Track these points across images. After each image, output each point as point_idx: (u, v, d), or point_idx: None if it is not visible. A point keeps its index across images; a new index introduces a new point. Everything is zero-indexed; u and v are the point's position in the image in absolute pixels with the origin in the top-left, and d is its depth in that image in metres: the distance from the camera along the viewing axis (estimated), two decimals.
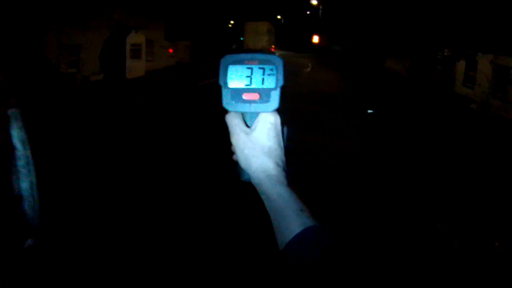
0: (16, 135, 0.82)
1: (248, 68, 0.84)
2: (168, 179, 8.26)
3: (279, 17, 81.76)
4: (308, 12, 67.81)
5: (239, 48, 42.59)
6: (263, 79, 0.84)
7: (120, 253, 5.28)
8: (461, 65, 20.15)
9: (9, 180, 0.78)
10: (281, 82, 0.85)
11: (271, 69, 0.84)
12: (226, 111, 0.87)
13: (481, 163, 9.98)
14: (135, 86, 21.03)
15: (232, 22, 58.84)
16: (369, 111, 15.60)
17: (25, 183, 0.80)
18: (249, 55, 0.85)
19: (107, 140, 10.90)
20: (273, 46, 42.72)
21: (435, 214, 6.97)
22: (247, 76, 0.84)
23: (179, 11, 31.44)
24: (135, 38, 23.78)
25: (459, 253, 5.82)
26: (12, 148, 0.80)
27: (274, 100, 0.85)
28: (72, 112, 14.30)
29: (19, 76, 15.09)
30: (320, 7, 63.65)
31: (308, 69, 35.81)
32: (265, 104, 0.84)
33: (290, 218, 0.75)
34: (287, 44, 70.64)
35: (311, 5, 67.29)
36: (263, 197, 0.81)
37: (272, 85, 0.84)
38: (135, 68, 24.18)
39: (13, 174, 0.79)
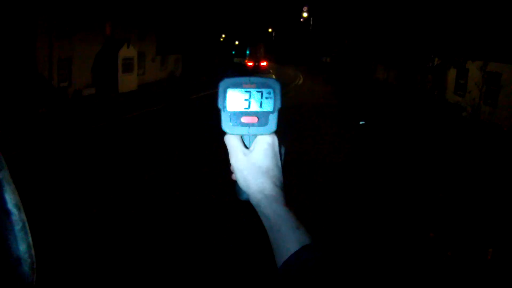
0: (10, 199, 0.81)
1: (246, 91, 0.85)
2: (164, 195, 8.21)
3: (270, 30, 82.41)
4: (301, 19, 68.11)
5: (241, 63, 42.73)
6: (261, 103, 0.85)
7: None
8: (451, 74, 20.33)
9: (7, 245, 0.80)
10: (278, 105, 0.86)
11: (269, 93, 0.85)
12: (221, 126, 0.87)
13: (473, 168, 10.02)
14: (128, 100, 21.02)
15: (223, 35, 59.14)
16: (361, 122, 15.65)
17: (22, 246, 0.81)
18: (246, 79, 0.86)
19: (101, 155, 10.85)
20: (263, 61, 43.07)
21: (428, 223, 6.97)
22: (246, 100, 0.85)
23: (170, 25, 31.55)
24: (127, 51, 23.80)
25: (453, 261, 5.81)
26: (8, 213, 0.80)
27: (272, 123, 0.86)
28: (64, 126, 14.22)
29: (10, 91, 15.04)
30: (311, 19, 64.16)
31: (300, 81, 35.99)
32: (263, 127, 0.85)
33: (286, 235, 0.77)
34: (278, 56, 71.05)
35: (302, 17, 67.78)
36: (261, 216, 0.83)
37: (270, 108, 0.86)
38: (128, 81, 24.16)
39: (10, 239, 0.80)
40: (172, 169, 9.52)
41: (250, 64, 41.23)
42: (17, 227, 0.81)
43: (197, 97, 22.15)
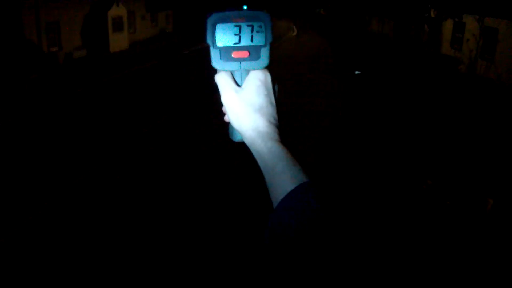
0: None
1: (236, 26, 0.82)
2: (165, 144, 8.20)
3: None
4: None
5: None
6: (252, 36, 0.82)
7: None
8: (448, 26, 19.99)
9: None
10: (270, 39, 0.83)
11: (260, 26, 0.82)
12: (214, 72, 0.84)
13: (471, 120, 9.99)
14: (120, 59, 20.67)
15: None
16: (356, 72, 15.53)
17: None
18: (236, 12, 0.82)
19: (95, 115, 10.76)
20: None
21: (426, 171, 6.98)
22: (236, 34, 0.82)
23: None
24: (116, 10, 23.21)
25: (452, 210, 5.84)
26: None
27: (264, 57, 0.83)
28: (56, 90, 14.02)
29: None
30: None
31: (294, 33, 35.49)
32: (255, 61, 0.83)
33: (282, 173, 0.75)
34: (270, 8, 69.43)
35: None
36: (255, 155, 0.80)
37: (262, 42, 0.82)
38: (118, 41, 23.70)
39: None
40: (167, 126, 9.52)
41: None
42: None
43: (189, 52, 21.89)
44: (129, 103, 12.00)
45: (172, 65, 18.33)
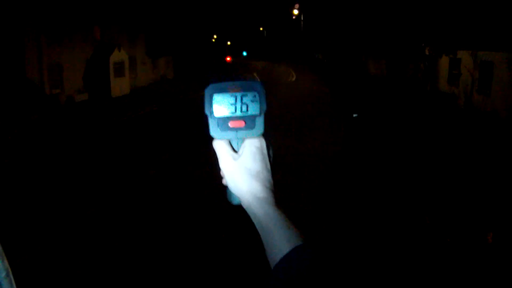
0: None
1: (232, 96, 0.86)
2: (161, 199, 8.16)
3: (261, 29, 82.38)
4: (293, 17, 67.95)
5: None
6: (247, 106, 0.86)
7: None
8: (444, 63, 20.29)
9: None
10: (264, 108, 0.87)
11: (254, 96, 0.86)
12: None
13: (470, 155, 9.99)
14: (122, 103, 20.91)
15: (215, 36, 59.03)
16: (354, 115, 15.65)
17: None
18: (231, 83, 0.86)
19: (96, 157, 10.78)
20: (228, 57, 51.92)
21: (423, 209, 6.91)
22: (232, 104, 0.86)
23: (160, 27, 31.38)
24: (118, 55, 23.68)
25: (453, 247, 5.74)
26: None
27: (259, 125, 0.87)
28: (57, 132, 14.11)
29: (2, 98, 14.92)
30: (302, 16, 64.04)
31: (293, 78, 36.04)
32: (251, 130, 0.86)
33: (277, 236, 0.78)
34: (270, 55, 70.93)
35: (293, 15, 67.68)
36: (253, 218, 0.84)
37: (257, 112, 0.86)
38: (120, 86, 24.05)
39: None
40: (167, 168, 9.48)
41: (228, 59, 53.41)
42: (2, 275, 0.85)
43: (191, 98, 22.13)
44: (130, 146, 12.07)
45: (171, 110, 18.48)
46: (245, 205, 0.85)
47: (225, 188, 0.88)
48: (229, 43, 58.24)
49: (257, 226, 0.82)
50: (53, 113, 17.16)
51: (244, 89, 0.86)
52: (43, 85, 18.31)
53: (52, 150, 11.57)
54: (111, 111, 18.53)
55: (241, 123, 0.86)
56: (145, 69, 29.70)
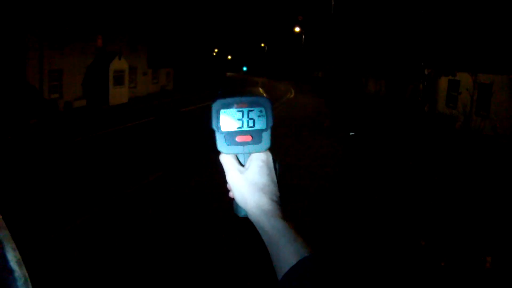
0: (11, 257, 0.87)
1: (238, 111, 0.87)
2: (162, 214, 8.09)
3: (262, 45, 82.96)
4: (294, 34, 68.53)
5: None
6: (254, 121, 0.88)
7: None
8: (443, 84, 20.40)
9: None
10: (270, 123, 0.88)
11: (261, 111, 0.88)
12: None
13: (468, 176, 9.96)
14: (119, 112, 20.89)
15: (216, 50, 59.38)
16: (351, 133, 15.68)
17: None
18: (238, 98, 0.87)
19: (90, 165, 10.72)
20: None
21: (418, 231, 6.84)
22: (238, 119, 0.87)
23: (162, 38, 31.57)
24: (118, 64, 23.76)
25: (448, 272, 5.65)
26: (11, 271, 0.86)
27: (266, 140, 0.88)
28: (55, 136, 14.06)
29: (1, 102, 14.88)
30: (303, 34, 64.52)
31: (292, 95, 36.27)
32: (257, 145, 0.88)
33: (285, 248, 0.79)
34: (270, 71, 71.37)
35: (294, 32, 68.19)
36: (260, 231, 0.85)
37: (263, 126, 0.88)
38: (119, 94, 24.08)
39: None
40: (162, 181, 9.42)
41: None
42: (19, 283, 0.85)
43: (189, 111, 22.13)
44: (125, 155, 12.04)
45: (169, 122, 18.41)
46: (252, 218, 0.87)
47: (231, 200, 0.89)
48: (229, 57, 58.54)
49: (264, 238, 0.84)
50: (51, 118, 17.13)
51: (251, 104, 0.87)
52: (42, 90, 18.33)
53: (46, 155, 11.51)
54: (107, 119, 18.49)
55: (248, 138, 0.87)
56: (145, 79, 29.80)
